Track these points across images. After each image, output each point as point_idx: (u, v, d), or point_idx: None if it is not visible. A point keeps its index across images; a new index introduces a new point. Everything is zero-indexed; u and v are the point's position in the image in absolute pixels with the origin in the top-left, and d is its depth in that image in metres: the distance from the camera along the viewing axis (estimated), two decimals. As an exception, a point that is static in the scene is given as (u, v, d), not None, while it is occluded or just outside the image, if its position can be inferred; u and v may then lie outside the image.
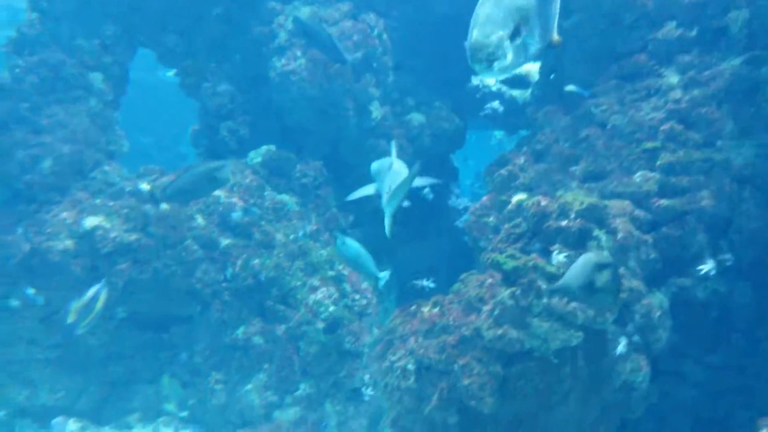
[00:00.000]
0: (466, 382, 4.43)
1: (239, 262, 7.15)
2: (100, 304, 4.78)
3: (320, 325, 7.05)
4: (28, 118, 7.19)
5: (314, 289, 7.25)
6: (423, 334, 4.89)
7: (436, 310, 5.00)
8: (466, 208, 10.52)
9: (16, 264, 6.29)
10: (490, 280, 4.91)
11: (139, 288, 6.78)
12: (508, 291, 4.51)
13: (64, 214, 6.55)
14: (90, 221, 6.42)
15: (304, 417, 6.80)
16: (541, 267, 4.50)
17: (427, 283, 6.29)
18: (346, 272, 7.70)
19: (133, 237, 6.60)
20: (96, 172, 7.23)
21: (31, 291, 6.27)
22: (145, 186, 6.94)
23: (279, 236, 7.49)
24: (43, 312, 6.40)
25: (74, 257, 6.40)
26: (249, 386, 6.97)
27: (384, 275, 5.26)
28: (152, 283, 6.82)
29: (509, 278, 4.65)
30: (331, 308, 7.16)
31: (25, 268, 6.32)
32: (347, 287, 7.50)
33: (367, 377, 7.40)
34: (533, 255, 4.74)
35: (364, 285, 7.85)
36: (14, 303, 6.46)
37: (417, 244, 9.70)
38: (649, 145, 5.76)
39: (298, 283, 7.27)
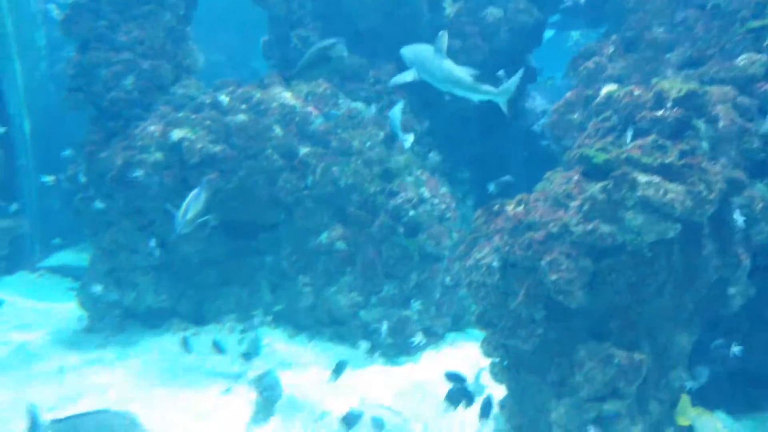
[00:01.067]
0: (553, 277, 4.41)
1: (319, 170, 7.26)
2: (201, 204, 5.02)
3: (401, 229, 7.15)
4: (107, 35, 7.35)
5: (393, 195, 7.30)
6: (508, 232, 4.85)
7: (520, 208, 4.93)
8: (544, 111, 10.13)
9: (113, 177, 6.66)
10: (577, 177, 4.76)
11: (227, 197, 7.06)
12: (599, 185, 4.35)
13: (152, 128, 6.80)
14: (177, 134, 6.64)
15: (388, 316, 7.04)
16: (636, 158, 4.29)
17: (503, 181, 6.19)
18: (424, 177, 7.70)
19: (218, 148, 6.80)
20: (176, 86, 7.39)
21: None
22: (224, 98, 7.04)
23: (356, 143, 7.51)
24: (141, 222, 6.81)
25: (165, 169, 6.69)
26: (335, 288, 7.26)
27: (408, 138, 6.12)
28: (238, 192, 7.07)
29: (600, 172, 4.48)
30: (411, 212, 7.22)
31: (122, 181, 6.69)
32: (426, 192, 7.51)
33: (448, 279, 7.54)
34: (626, 147, 4.53)
35: (443, 190, 7.85)
36: (99, 205, 6.91)
37: (491, 150, 9.50)
38: (755, 23, 5.24)
39: (377, 189, 7.34)
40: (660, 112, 4.67)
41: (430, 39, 8.01)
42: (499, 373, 5.29)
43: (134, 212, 6.91)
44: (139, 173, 6.19)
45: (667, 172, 4.30)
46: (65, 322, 7.64)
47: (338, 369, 5.47)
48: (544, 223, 4.62)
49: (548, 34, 10.90)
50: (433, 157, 8.96)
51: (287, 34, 8.15)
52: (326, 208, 7.37)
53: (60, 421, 3.03)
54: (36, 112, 9.95)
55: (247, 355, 6.35)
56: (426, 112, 8.45)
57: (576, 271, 4.37)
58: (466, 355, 6.98)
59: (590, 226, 4.31)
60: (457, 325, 7.79)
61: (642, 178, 4.22)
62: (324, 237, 7.35)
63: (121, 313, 7.21)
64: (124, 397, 5.72)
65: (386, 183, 7.43)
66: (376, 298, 7.21)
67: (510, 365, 5.11)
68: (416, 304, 7.14)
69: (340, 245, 7.30)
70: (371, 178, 7.38)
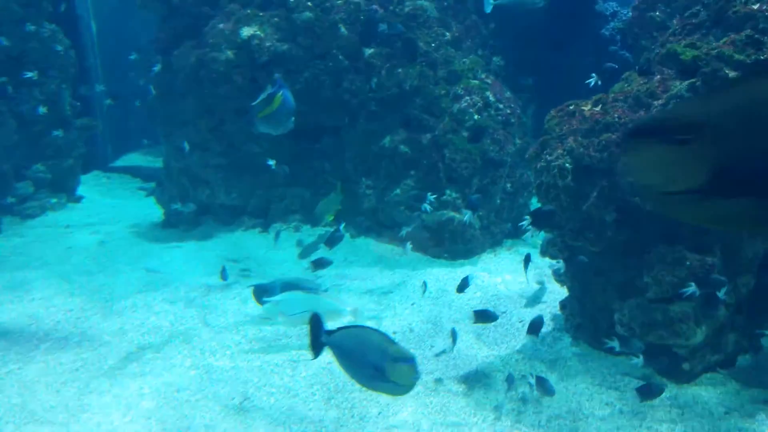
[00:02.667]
0: (631, 178, 4.35)
1: (383, 72, 7.19)
2: (278, 102, 5.07)
3: (465, 133, 7.11)
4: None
5: (458, 98, 7.21)
6: (583, 133, 4.77)
7: (597, 108, 4.81)
8: (614, 14, 9.65)
9: (186, 75, 6.77)
10: (659, 76, 4.59)
11: (294, 98, 7.10)
12: (686, 83, 4.20)
13: (221, 26, 6.79)
14: (246, 31, 6.63)
15: (451, 219, 7.14)
16: (728, 54, 4.09)
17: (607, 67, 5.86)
18: (489, 81, 7.54)
19: (285, 47, 6.78)
20: (242, -17, 7.29)
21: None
22: (291, -6, 6.93)
23: (421, 44, 7.36)
24: (212, 122, 6.97)
25: (235, 67, 6.75)
26: (397, 191, 7.37)
27: None
28: (304, 94, 7.09)
29: (687, 70, 4.31)
30: (476, 117, 7.15)
31: (194, 79, 6.80)
32: (491, 96, 7.39)
33: (509, 185, 7.54)
34: (716, 43, 4.30)
35: (507, 94, 7.70)
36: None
37: (557, 55, 9.15)
38: None
39: (442, 92, 7.25)
40: (755, 6, 4.38)
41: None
42: (562, 274, 5.38)
43: (205, 112, 7.07)
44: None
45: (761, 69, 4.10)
46: (141, 218, 8.11)
47: (425, 287, 5.66)
48: (623, 124, 4.52)
49: None
50: (497, 61, 8.72)
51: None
52: (390, 111, 7.36)
53: (331, 332, 3.16)
54: (101, 14, 10.07)
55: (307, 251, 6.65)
56: (492, 13, 8.13)
57: (654, 173, 4.31)
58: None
59: (673, 126, 4.19)
60: (516, 231, 7.85)
61: (733, 74, 4.04)
62: (387, 140, 7.38)
63: (195, 210, 7.56)
64: (204, 284, 6.12)
65: (451, 86, 7.32)
66: (438, 202, 7.29)
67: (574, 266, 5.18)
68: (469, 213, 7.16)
69: (404, 149, 7.33)
70: (436, 80, 7.28)
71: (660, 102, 4.34)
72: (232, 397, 4.22)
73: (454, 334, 4.88)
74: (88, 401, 4.11)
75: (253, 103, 5.44)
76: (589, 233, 4.78)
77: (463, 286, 5.50)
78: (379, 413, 4.09)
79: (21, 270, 6.41)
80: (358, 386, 4.34)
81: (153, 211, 8.04)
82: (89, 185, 9.64)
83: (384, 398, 4.23)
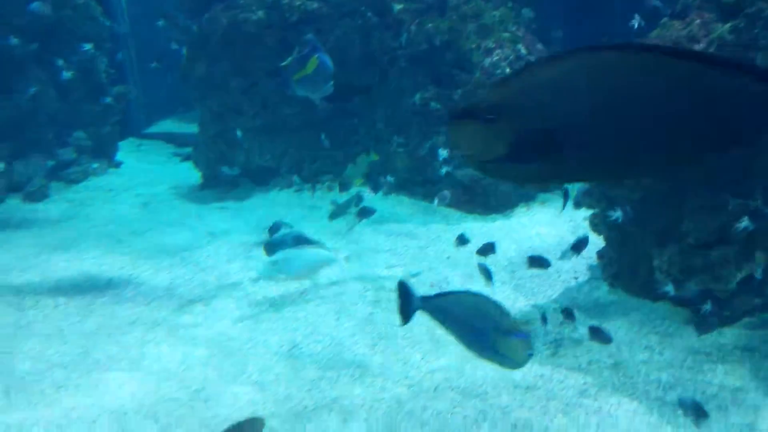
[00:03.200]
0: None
1: (413, 27, 7.15)
2: (313, 65, 5.06)
3: (497, 87, 7.07)
4: None
5: (489, 52, 7.14)
6: (620, 80, 4.72)
7: (635, 55, 4.75)
8: (648, -39, 9.36)
9: (218, 38, 6.84)
10: (699, 20, 4.50)
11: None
12: (729, 24, 4.12)
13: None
14: (274, -9, 6.65)
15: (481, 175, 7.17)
16: (773, -7, 3.99)
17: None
18: (520, 33, 7.44)
19: (315, 5, 6.78)
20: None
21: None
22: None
23: (451, -3, 7.28)
24: (245, 84, 7.05)
25: (267, 27, 6.79)
26: (428, 148, 7.40)
27: None
28: (335, 52, 7.06)
29: (729, 11, 4.22)
30: (507, 70, 7.08)
31: (227, 41, 6.86)
32: (522, 49, 7.30)
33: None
34: (761, -18, 4.19)
35: (539, 47, 7.59)
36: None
37: (586, 6, 8.95)
38: None
39: (473, 46, 7.18)
40: (803, -58, 4.23)
41: None
42: (599, 224, 5.40)
43: (238, 74, 7.15)
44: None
45: (808, 7, 4.00)
46: (180, 181, 8.34)
47: (461, 239, 5.66)
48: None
49: None
50: (527, 13, 8.56)
51: None
52: (420, 68, 7.33)
53: (428, 297, 2.95)
54: (128, -20, 10.12)
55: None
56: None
57: (694, 117, 4.27)
58: (557, 212, 7.10)
59: (715, 69, 4.13)
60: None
61: (779, 14, 3.95)
62: (418, 97, 7.38)
63: (240, 172, 7.73)
64: (246, 241, 6.31)
65: (482, 40, 7.25)
66: (471, 157, 7.30)
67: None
68: None
69: (435, 105, 7.33)
70: (467, 34, 7.21)
71: (701, 45, 4.27)
72: (281, 344, 4.41)
73: (486, 271, 4.77)
74: (147, 350, 4.34)
75: (282, 64, 5.45)
76: (627, 181, 4.77)
77: (486, 250, 5.35)
78: (422, 358, 4.23)
79: (72, 231, 6.68)
80: (400, 334, 4.49)
81: (191, 174, 8.23)
82: (125, 151, 9.86)
83: (427, 345, 4.37)
